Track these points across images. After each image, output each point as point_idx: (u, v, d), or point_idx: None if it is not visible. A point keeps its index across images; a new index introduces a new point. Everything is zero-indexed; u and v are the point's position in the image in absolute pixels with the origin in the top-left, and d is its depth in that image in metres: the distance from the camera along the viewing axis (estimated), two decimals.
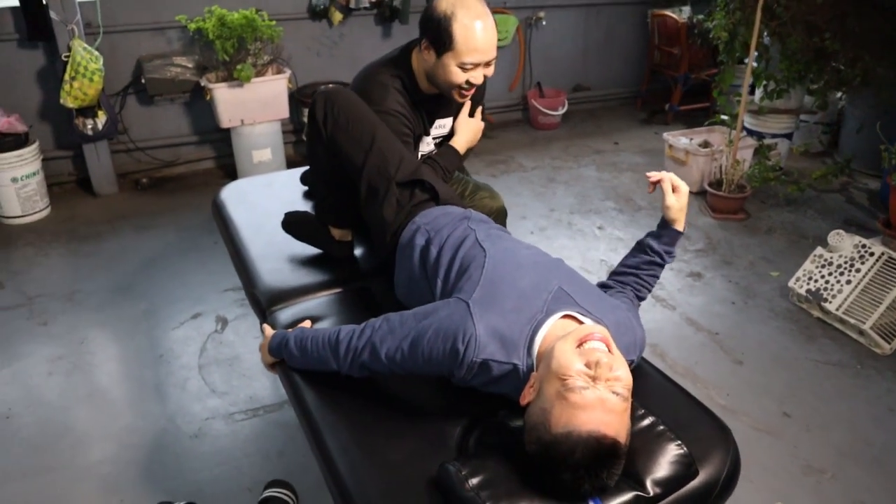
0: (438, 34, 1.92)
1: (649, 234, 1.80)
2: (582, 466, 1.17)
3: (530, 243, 1.74)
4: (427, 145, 2.24)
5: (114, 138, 4.16)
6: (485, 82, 2.13)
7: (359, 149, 1.87)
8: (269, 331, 1.77)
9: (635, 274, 1.78)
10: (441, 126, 2.24)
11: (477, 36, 1.91)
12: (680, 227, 1.76)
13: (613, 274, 1.82)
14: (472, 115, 2.25)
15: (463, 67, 1.95)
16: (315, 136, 1.94)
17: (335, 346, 1.53)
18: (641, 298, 1.79)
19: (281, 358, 1.68)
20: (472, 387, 1.45)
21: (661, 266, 1.78)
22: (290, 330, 1.69)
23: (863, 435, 2.37)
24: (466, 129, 2.22)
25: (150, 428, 2.39)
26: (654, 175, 1.76)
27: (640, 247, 1.79)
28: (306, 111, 4.26)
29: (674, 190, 1.73)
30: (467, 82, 1.99)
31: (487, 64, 1.98)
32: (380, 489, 1.33)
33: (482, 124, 2.28)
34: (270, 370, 1.77)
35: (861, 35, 3.44)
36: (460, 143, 2.20)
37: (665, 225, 1.77)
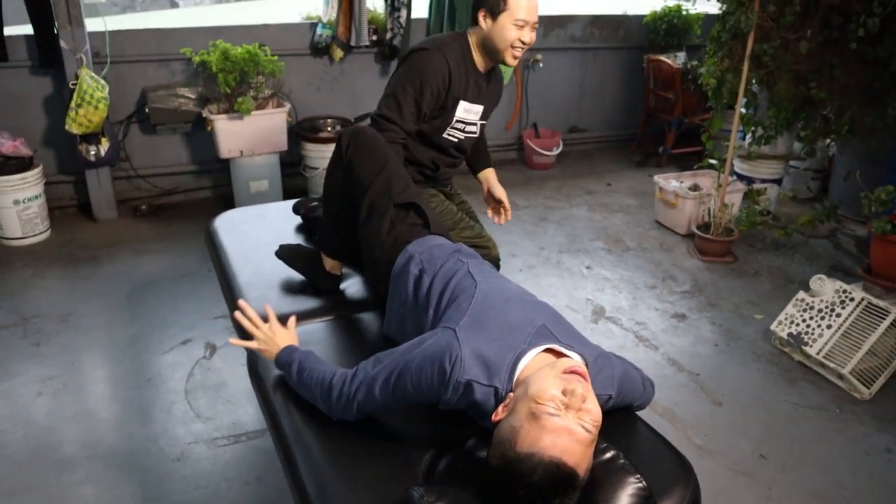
0: (494, 0, 2.30)
1: None
2: (537, 488, 1.22)
3: (518, 282, 1.82)
4: (465, 112, 2.48)
5: (115, 165, 4.26)
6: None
7: (370, 171, 2.01)
8: (283, 335, 1.76)
9: None
10: (470, 110, 2.49)
11: None
12: None
13: None
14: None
15: (517, 24, 2.29)
16: (336, 160, 2.11)
17: (327, 389, 1.56)
18: None
19: (281, 371, 1.71)
20: (458, 410, 1.49)
21: None
22: (298, 349, 1.71)
23: (837, 478, 2.39)
24: (500, 188, 2.77)
25: (133, 450, 2.42)
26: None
27: None
28: (306, 145, 4.37)
29: None
30: (520, 40, 2.33)
31: (533, 27, 2.33)
32: None
33: (505, 206, 2.77)
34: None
35: (847, 86, 3.52)
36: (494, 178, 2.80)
37: None
